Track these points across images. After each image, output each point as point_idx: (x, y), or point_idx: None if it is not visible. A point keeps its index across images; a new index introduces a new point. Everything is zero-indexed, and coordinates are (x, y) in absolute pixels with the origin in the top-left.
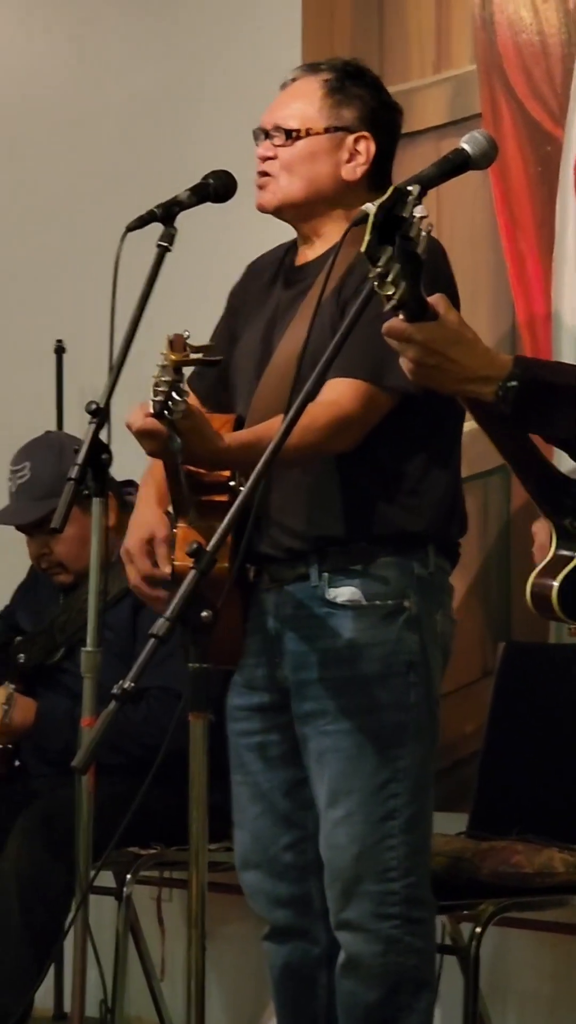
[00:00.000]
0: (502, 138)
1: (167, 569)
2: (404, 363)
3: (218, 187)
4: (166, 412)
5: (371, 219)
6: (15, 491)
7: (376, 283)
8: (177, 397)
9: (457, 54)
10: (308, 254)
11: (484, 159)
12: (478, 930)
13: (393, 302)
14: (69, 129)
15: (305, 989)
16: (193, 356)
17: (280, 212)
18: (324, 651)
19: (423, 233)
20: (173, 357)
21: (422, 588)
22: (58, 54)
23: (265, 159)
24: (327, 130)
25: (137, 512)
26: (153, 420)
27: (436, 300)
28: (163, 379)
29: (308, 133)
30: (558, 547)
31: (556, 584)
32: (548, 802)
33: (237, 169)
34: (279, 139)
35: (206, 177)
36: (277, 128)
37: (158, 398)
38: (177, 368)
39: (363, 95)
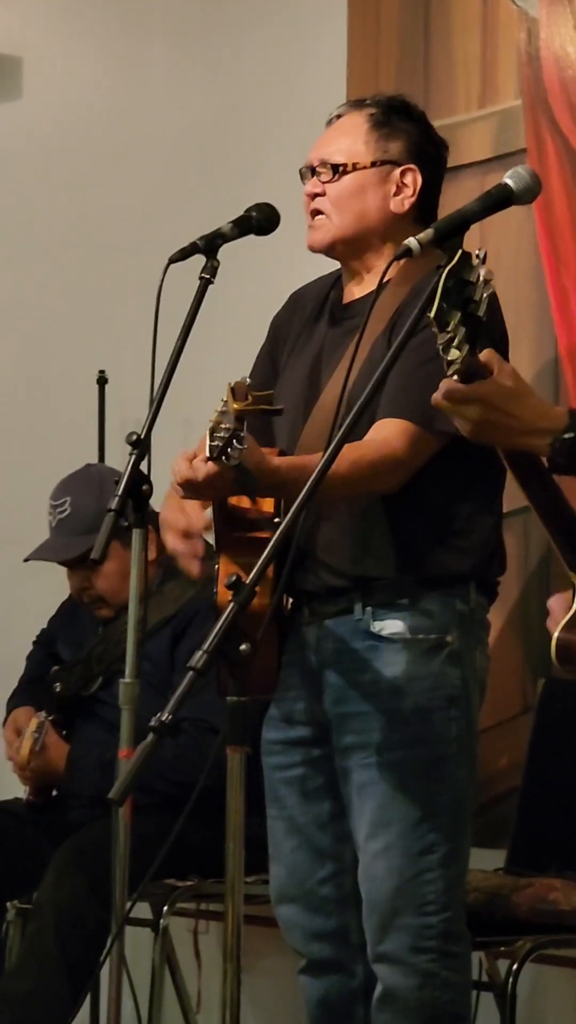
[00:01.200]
0: (547, 173)
1: (199, 522)
2: (461, 424)
3: (261, 220)
4: (223, 458)
5: (440, 286)
6: (55, 526)
7: (441, 348)
8: (238, 446)
9: (502, 89)
10: (356, 291)
11: (527, 194)
12: (515, 967)
13: (456, 366)
14: (113, 160)
15: (341, 1023)
16: (256, 406)
17: (331, 249)
18: (367, 684)
19: (485, 295)
20: (236, 406)
21: (463, 624)
22: (103, 85)
23: (313, 196)
24: (374, 164)
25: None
26: (213, 465)
27: (487, 356)
28: (223, 426)
29: (355, 167)
30: None
31: None
32: None
33: (281, 202)
34: (326, 175)
35: (249, 210)
36: (324, 164)
37: (215, 443)
38: (239, 417)
39: (409, 129)
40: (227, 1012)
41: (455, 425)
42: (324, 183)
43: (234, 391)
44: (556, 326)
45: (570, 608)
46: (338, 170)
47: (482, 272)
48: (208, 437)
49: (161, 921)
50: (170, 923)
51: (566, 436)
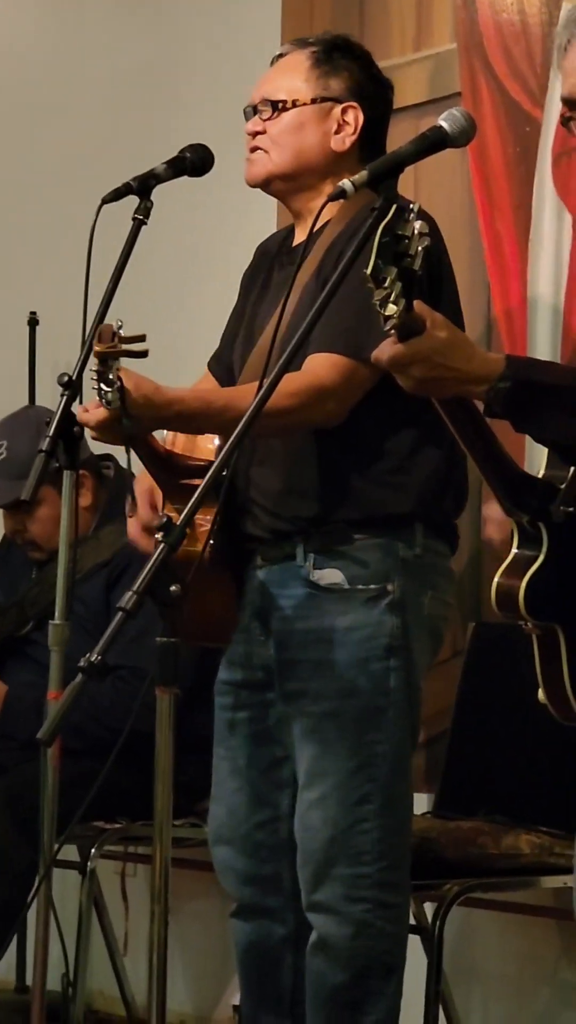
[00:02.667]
0: (481, 117)
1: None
2: (403, 381)
3: (195, 161)
4: (105, 402)
5: (376, 242)
6: None
7: (378, 304)
8: (106, 388)
9: (438, 32)
10: (301, 234)
11: (462, 137)
12: (442, 910)
13: (394, 322)
14: (48, 102)
15: (270, 968)
16: (122, 347)
17: (268, 185)
18: (306, 632)
19: (420, 248)
20: (97, 348)
21: (407, 570)
22: (40, 27)
23: (254, 134)
24: (314, 100)
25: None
26: (101, 410)
27: (419, 308)
28: (93, 369)
29: (295, 104)
30: (520, 546)
31: (523, 584)
32: (515, 783)
33: (216, 144)
34: (266, 112)
35: (183, 150)
36: (264, 102)
37: (95, 387)
38: (101, 359)
39: (351, 67)
40: (154, 954)
41: (400, 382)
42: (264, 120)
43: (100, 334)
44: (488, 271)
45: (510, 548)
46: (278, 107)
47: (417, 226)
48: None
49: (88, 863)
50: (97, 865)
51: (501, 385)
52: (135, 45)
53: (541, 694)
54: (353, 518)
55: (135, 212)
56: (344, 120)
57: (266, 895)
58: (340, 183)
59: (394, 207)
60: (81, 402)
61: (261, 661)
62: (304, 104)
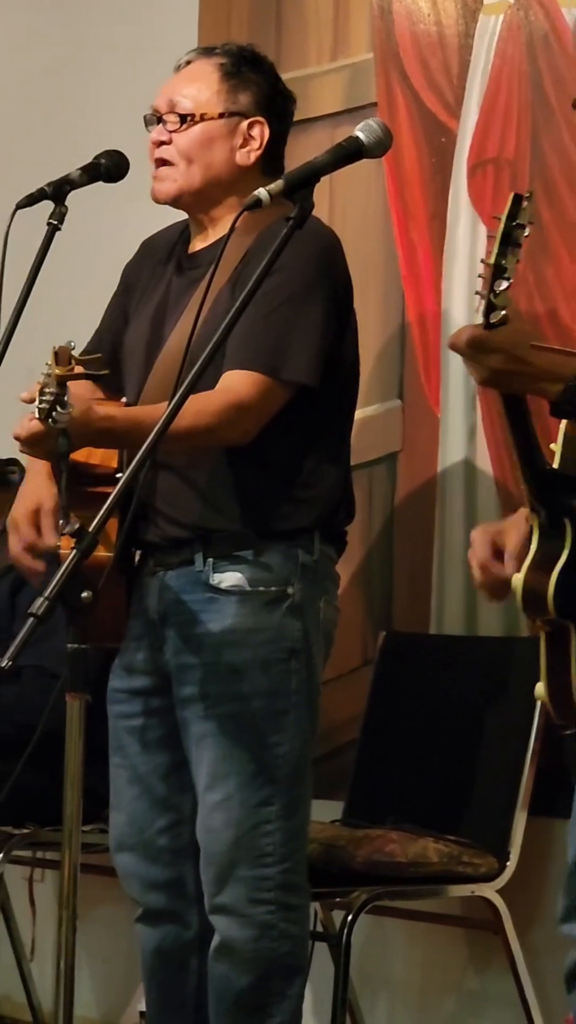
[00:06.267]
0: (397, 128)
1: (51, 541)
2: (477, 371)
3: (110, 167)
4: (51, 421)
5: (500, 232)
6: None
7: (494, 296)
8: (61, 410)
9: (355, 42)
10: (201, 241)
11: (378, 148)
12: (350, 918)
13: (503, 314)
14: None
15: (175, 973)
16: (78, 370)
17: (178, 201)
18: (206, 636)
19: (526, 236)
20: (58, 371)
21: (306, 575)
22: None
23: (159, 144)
24: (222, 115)
25: (26, 483)
26: (38, 423)
27: None
28: (47, 390)
29: (203, 118)
30: (540, 542)
31: (552, 581)
32: (424, 792)
33: (130, 149)
34: (173, 124)
35: (98, 157)
36: (171, 112)
37: (43, 405)
38: (61, 382)
39: (258, 81)
40: (61, 960)
41: (470, 372)
42: (171, 132)
43: (57, 356)
44: (403, 281)
45: (528, 549)
46: (186, 120)
47: (530, 213)
48: (37, 399)
49: None
50: (5, 871)
51: None
52: (49, 48)
53: (540, 689)
54: (256, 530)
55: (50, 217)
56: (250, 135)
57: (170, 900)
58: (256, 192)
59: (512, 195)
60: None
61: (159, 667)
62: (212, 118)
